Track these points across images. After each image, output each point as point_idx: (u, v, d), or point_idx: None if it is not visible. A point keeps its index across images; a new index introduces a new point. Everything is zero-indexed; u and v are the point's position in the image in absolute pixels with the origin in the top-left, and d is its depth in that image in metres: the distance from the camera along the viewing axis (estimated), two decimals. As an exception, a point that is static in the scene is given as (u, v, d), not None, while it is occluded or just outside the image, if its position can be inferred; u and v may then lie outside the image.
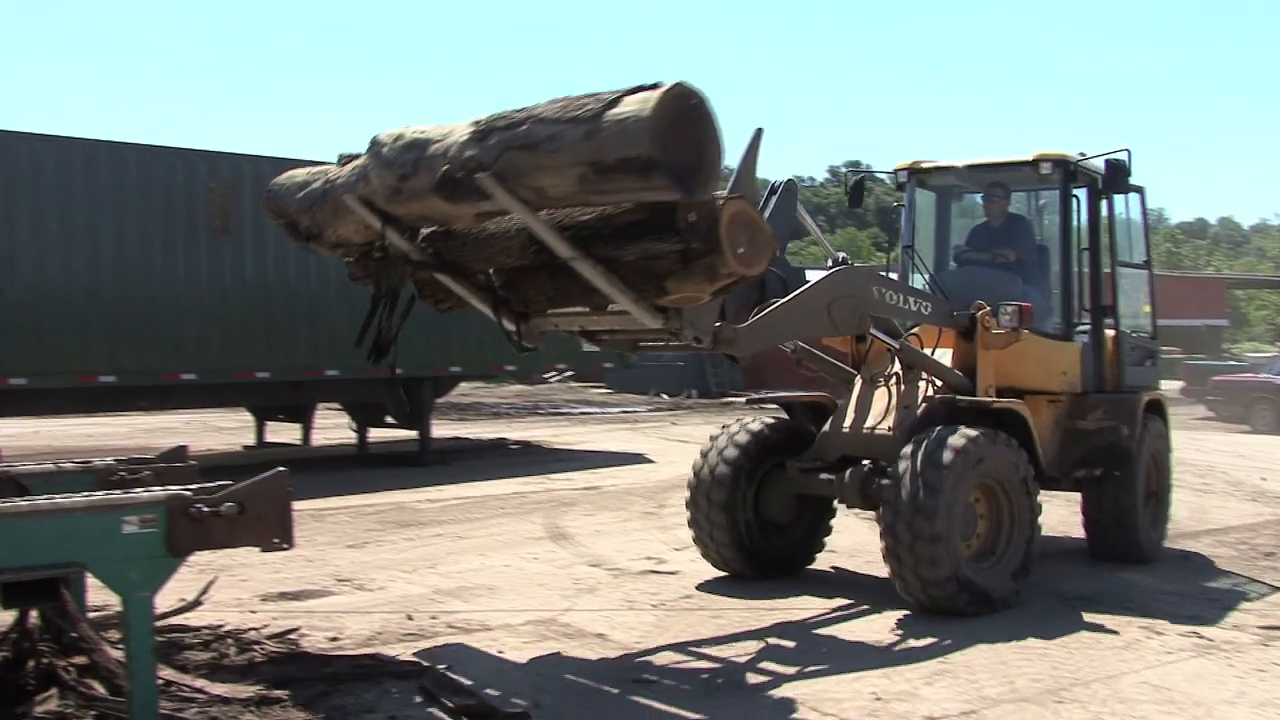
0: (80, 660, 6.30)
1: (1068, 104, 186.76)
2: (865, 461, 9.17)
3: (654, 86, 5.64)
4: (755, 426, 9.85)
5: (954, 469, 8.25)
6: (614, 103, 5.68)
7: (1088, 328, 10.39)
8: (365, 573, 10.23)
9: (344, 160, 7.41)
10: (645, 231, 6.30)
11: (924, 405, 9.26)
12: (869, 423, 9.50)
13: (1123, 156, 9.93)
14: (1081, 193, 10.36)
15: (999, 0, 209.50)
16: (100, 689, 6.01)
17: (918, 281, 10.40)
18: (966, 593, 8.35)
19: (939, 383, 9.46)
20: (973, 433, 8.50)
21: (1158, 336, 11.58)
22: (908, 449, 8.51)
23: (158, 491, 5.82)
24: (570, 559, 10.91)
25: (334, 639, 7.87)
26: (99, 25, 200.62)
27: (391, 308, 7.74)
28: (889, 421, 9.38)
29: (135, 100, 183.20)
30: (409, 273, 7.62)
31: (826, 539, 10.23)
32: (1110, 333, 10.55)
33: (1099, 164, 10.10)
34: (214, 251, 16.24)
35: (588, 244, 6.51)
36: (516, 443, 22.54)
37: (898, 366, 9.54)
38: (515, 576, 10.07)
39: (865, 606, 8.86)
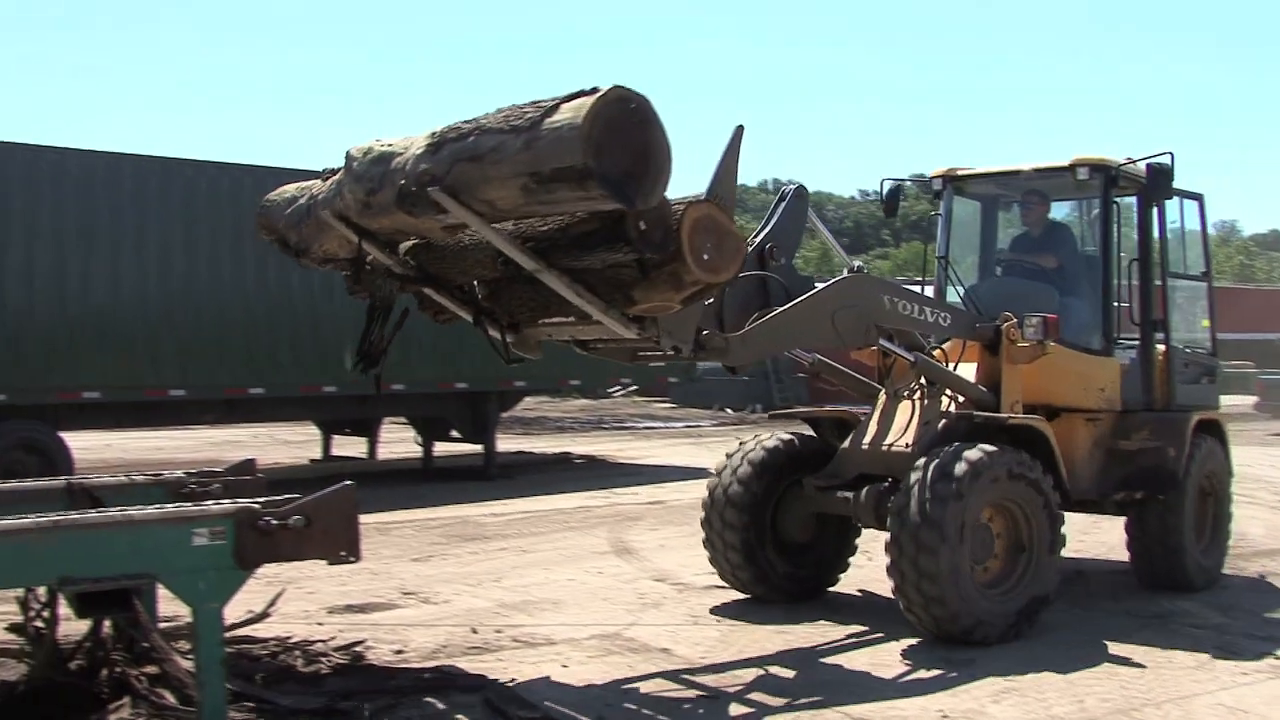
0: (151, 670, 6.39)
1: (1140, 114, 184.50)
2: (890, 479, 8.74)
3: (592, 91, 5.52)
4: (770, 443, 9.49)
5: (965, 482, 7.87)
6: (552, 110, 5.59)
7: (1135, 342, 9.91)
8: (430, 586, 10.28)
9: (326, 175, 7.38)
10: (599, 241, 6.20)
11: (944, 422, 8.87)
12: (889, 439, 9.09)
13: (1165, 160, 9.31)
14: (1131, 200, 9.94)
15: (1067, 6, 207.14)
16: (171, 698, 6.09)
17: (954, 294, 10.02)
18: (972, 617, 7.95)
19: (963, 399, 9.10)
20: (990, 448, 8.11)
21: (1218, 352, 10.98)
22: (920, 462, 8.16)
23: (227, 504, 5.89)
24: (634, 573, 10.90)
25: (399, 651, 7.91)
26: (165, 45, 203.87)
27: (384, 320, 7.74)
28: (908, 438, 8.96)
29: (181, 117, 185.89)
30: (396, 286, 7.59)
31: (852, 558, 9.85)
32: (1160, 348, 10.02)
33: (1143, 169, 9.54)
34: (282, 267, 16.40)
35: (549, 255, 6.43)
36: (581, 457, 22.58)
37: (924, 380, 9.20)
38: (579, 591, 10.07)
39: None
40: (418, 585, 10.30)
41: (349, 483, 6.00)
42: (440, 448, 19.87)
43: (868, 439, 9.23)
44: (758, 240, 8.35)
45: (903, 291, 8.88)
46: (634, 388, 33.44)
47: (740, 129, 6.87)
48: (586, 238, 6.26)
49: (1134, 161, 9.63)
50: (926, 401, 9.10)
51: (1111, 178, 9.62)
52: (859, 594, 9.93)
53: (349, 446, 20.09)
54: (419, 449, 20.05)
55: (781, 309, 8.04)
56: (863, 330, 8.36)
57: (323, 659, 7.37)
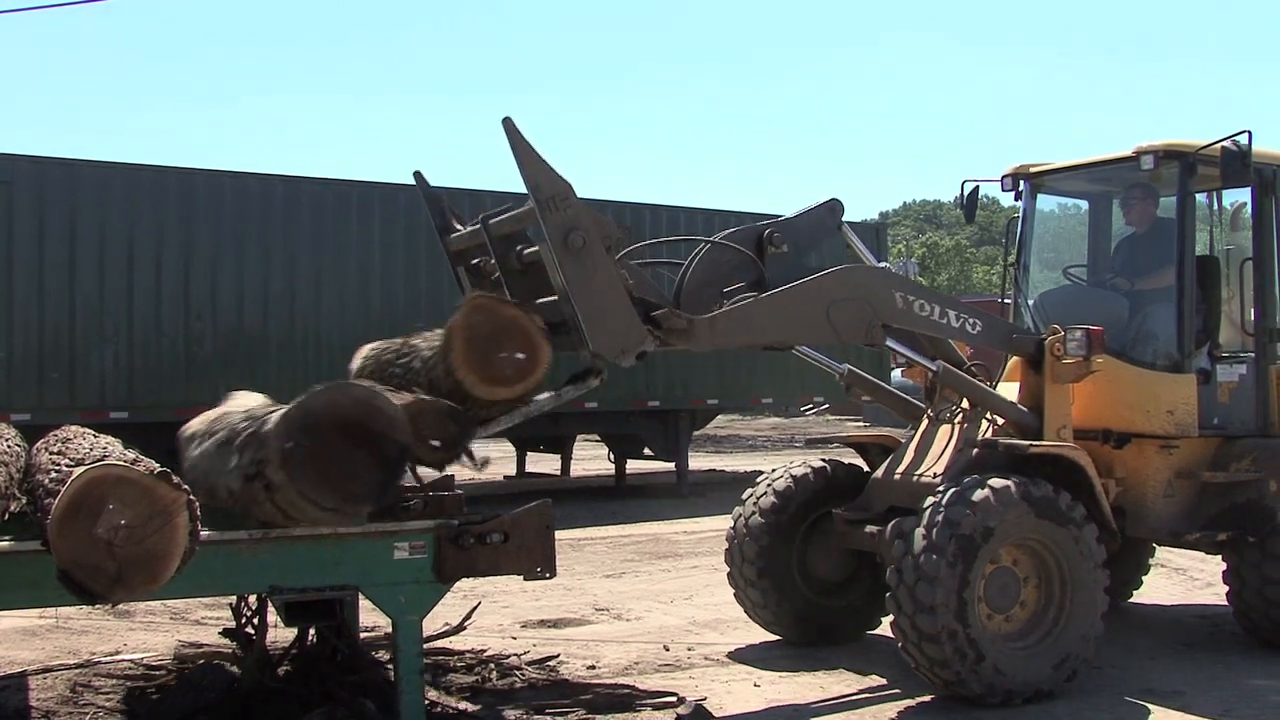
0: (353, 678, 6.58)
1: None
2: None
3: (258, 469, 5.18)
4: (799, 471, 8.70)
5: (967, 527, 6.89)
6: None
7: (1249, 355, 8.70)
8: (623, 602, 10.36)
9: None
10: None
11: (975, 450, 7.78)
12: (921, 468, 8.11)
13: (1241, 140, 7.97)
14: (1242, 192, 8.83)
15: None
16: (371, 706, 6.26)
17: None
18: (984, 682, 6.91)
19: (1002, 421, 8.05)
20: (1003, 483, 7.08)
21: None
22: (926, 504, 7.15)
23: (427, 520, 6.05)
24: (826, 595, 10.75)
25: (592, 667, 7.98)
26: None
27: None
28: (940, 467, 7.97)
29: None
30: None
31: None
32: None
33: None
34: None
35: None
36: (772, 476, 22.41)
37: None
38: (771, 611, 10.01)
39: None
40: (610, 601, 10.39)
41: (546, 500, 6.09)
42: (633, 465, 20.05)
43: (901, 467, 8.33)
44: (758, 224, 7.78)
45: (920, 290, 7.95)
46: (825, 406, 33.18)
47: (507, 119, 6.19)
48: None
49: (1207, 146, 8.30)
50: (967, 425, 8.14)
51: (1189, 165, 8.38)
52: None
53: (543, 463, 20.39)
54: (612, 466, 20.26)
55: (766, 294, 7.23)
56: (864, 328, 7.40)
57: (517, 673, 7.50)
